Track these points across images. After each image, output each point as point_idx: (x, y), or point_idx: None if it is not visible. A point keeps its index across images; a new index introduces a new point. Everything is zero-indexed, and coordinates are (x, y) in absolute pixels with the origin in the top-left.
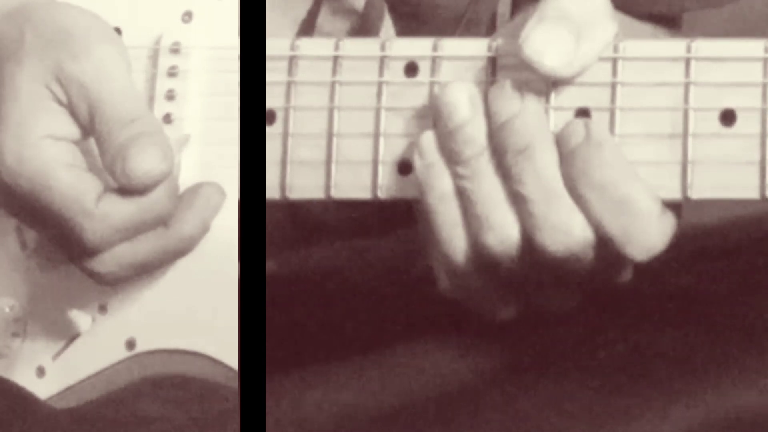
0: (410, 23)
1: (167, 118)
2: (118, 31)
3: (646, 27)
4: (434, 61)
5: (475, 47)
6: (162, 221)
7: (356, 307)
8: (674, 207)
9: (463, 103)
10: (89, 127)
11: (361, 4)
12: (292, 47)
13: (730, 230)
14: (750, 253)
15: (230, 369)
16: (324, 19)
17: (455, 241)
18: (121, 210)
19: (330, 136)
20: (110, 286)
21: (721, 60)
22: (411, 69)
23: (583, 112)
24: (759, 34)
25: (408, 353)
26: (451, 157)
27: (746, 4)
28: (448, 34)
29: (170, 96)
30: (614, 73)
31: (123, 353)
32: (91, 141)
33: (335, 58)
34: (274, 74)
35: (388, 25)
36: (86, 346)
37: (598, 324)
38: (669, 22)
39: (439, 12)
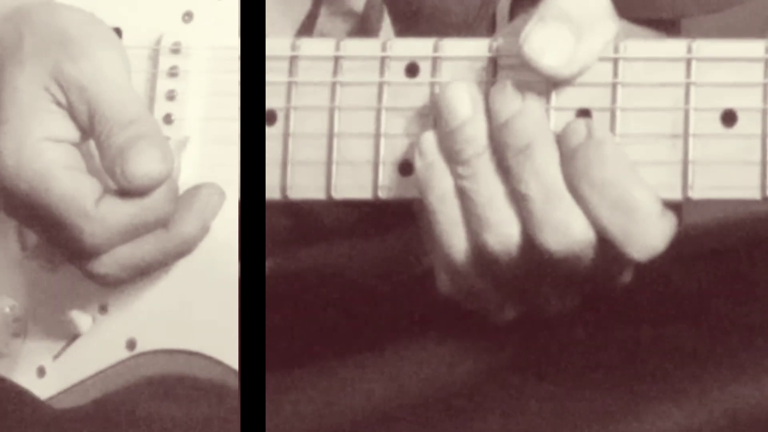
0: (409, 25)
1: (168, 119)
2: (118, 31)
3: (646, 32)
4: (435, 61)
5: (476, 47)
6: (162, 223)
7: (356, 307)
8: (675, 207)
9: (464, 102)
10: (89, 128)
11: (360, 6)
12: (293, 47)
13: (729, 230)
14: (749, 253)
15: (230, 369)
16: (324, 20)
17: (456, 240)
18: (120, 212)
19: (331, 136)
20: (110, 287)
21: (721, 60)
22: (412, 69)
23: (584, 113)
24: (759, 35)
25: (408, 353)
26: (452, 156)
27: (747, 6)
28: (447, 36)
29: (171, 96)
30: (615, 73)
31: (123, 353)
32: (91, 143)
33: (336, 59)
34: (274, 74)
35: (387, 26)
36: (87, 347)
37: (598, 323)
38: (668, 27)
39: (439, 15)
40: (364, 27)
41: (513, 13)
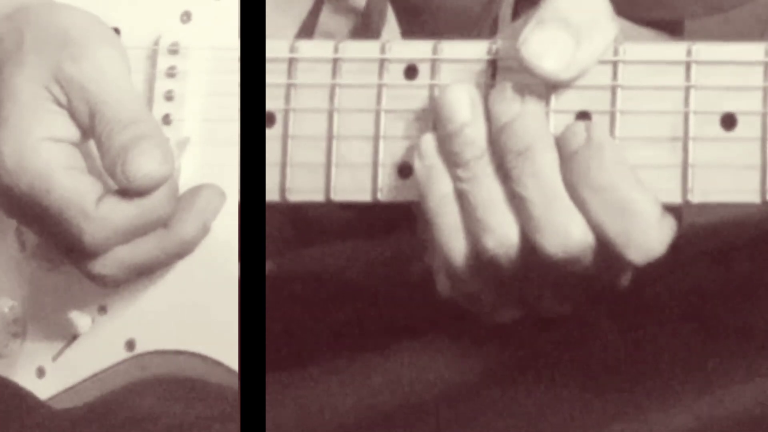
0: (414, 22)
1: (166, 119)
2: (117, 31)
3: (648, 32)
4: (434, 63)
5: (475, 50)
6: (162, 223)
7: (356, 308)
8: (674, 210)
9: (464, 105)
10: (89, 128)
11: (362, 3)
12: (292, 49)
13: (729, 231)
14: (749, 254)
15: (230, 369)
16: (325, 18)
17: (455, 243)
18: (121, 212)
19: (330, 138)
20: (110, 288)
21: (721, 63)
22: (411, 71)
23: (583, 115)
24: (759, 38)
25: (407, 354)
26: (451, 159)
27: (748, 8)
28: (452, 33)
29: (169, 96)
30: (615, 76)
31: (123, 354)
32: (91, 143)
33: (335, 61)
34: (273, 76)
35: (392, 24)
36: (86, 347)
37: (597, 325)
38: (671, 27)
39: (444, 12)
40: (366, 25)
41: (515, 15)
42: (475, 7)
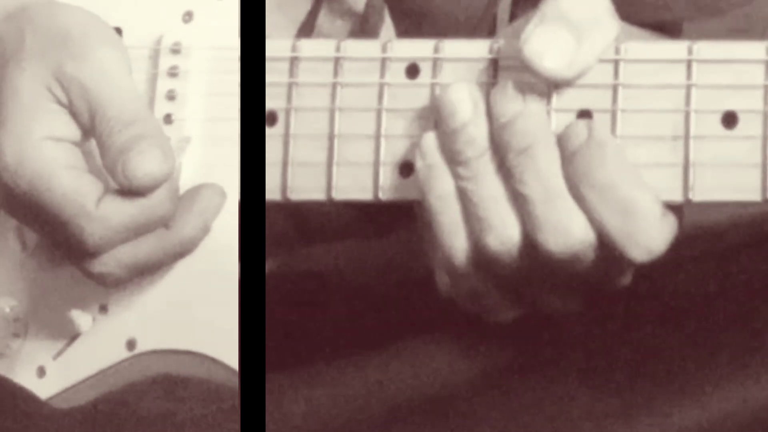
0: (411, 25)
1: (168, 119)
2: (118, 31)
3: (647, 34)
4: (435, 62)
5: (477, 49)
6: (163, 223)
7: (356, 307)
8: (675, 209)
9: (465, 103)
10: (90, 128)
11: (360, 5)
12: (293, 48)
13: (730, 231)
14: (750, 253)
15: (230, 369)
16: (323, 20)
17: (456, 241)
18: (121, 211)
19: (331, 137)
20: (110, 287)
21: (722, 62)
22: (412, 70)
23: (584, 114)
24: (760, 37)
25: (408, 353)
26: (453, 157)
27: (747, 8)
28: (447, 36)
29: (171, 96)
30: (616, 74)
31: (123, 353)
32: (92, 142)
33: (336, 60)
34: (275, 75)
35: (388, 26)
36: (87, 346)
37: (598, 324)
38: (670, 29)
39: (442, 16)
40: (364, 27)
41: (513, 15)
42: (472, 12)
